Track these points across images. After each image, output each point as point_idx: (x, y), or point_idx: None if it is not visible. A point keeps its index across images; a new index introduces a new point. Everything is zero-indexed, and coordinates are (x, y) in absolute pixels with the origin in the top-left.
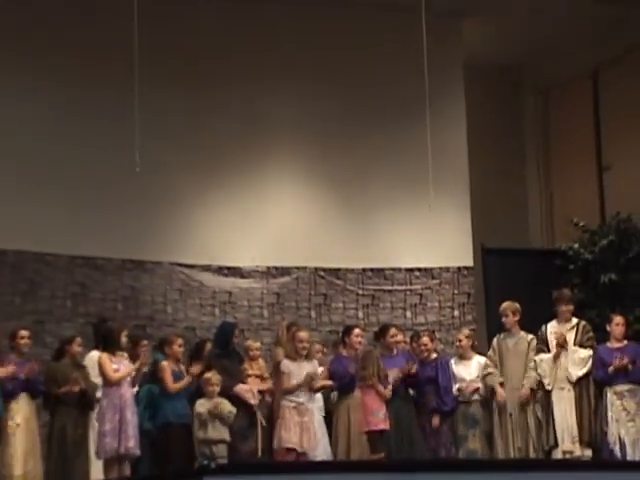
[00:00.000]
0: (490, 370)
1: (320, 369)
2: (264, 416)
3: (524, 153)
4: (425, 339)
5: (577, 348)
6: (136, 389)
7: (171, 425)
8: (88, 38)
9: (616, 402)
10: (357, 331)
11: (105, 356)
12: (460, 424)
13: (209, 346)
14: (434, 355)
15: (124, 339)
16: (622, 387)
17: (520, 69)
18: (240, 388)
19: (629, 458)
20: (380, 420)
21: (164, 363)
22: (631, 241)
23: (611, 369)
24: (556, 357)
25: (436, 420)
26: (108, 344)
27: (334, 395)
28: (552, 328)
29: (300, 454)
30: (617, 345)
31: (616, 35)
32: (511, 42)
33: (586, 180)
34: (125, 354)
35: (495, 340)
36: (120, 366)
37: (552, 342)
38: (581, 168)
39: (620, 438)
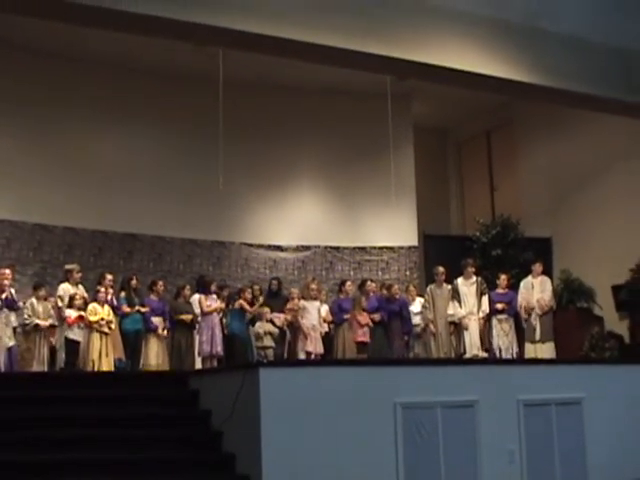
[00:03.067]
0: (425, 307)
1: (324, 306)
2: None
3: (448, 179)
4: (395, 288)
5: (481, 296)
6: (221, 316)
7: (235, 336)
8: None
9: (497, 326)
10: (348, 283)
11: (203, 297)
12: (411, 338)
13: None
14: (397, 296)
15: (213, 287)
16: (501, 317)
17: (446, 131)
18: (278, 315)
19: (503, 357)
20: (362, 335)
21: (240, 301)
22: (509, 231)
23: (496, 306)
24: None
25: (401, 337)
26: (204, 290)
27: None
28: (460, 282)
29: (315, 354)
30: (501, 292)
31: (501, 111)
32: (441, 114)
33: (484, 195)
34: (214, 296)
35: (428, 289)
36: (212, 303)
37: (461, 290)
38: (481, 188)
39: (499, 346)
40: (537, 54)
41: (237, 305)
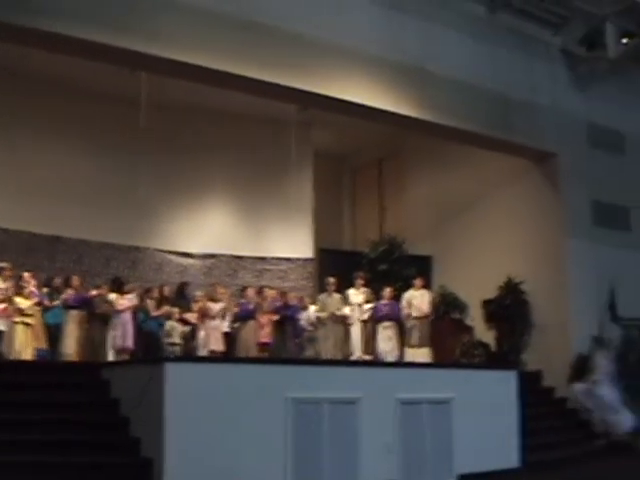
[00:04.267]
0: (319, 313)
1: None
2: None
3: (342, 200)
4: (289, 295)
5: (364, 304)
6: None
7: (148, 333)
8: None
9: (382, 332)
10: (249, 289)
11: (117, 296)
12: (304, 341)
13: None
14: (291, 303)
15: (129, 287)
16: (386, 324)
17: (342, 157)
18: (188, 316)
19: (387, 360)
20: (264, 336)
21: (148, 301)
22: (395, 248)
23: (381, 314)
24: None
25: (294, 339)
26: (119, 289)
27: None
28: (352, 292)
29: (218, 352)
30: (386, 302)
31: (392, 142)
32: (339, 142)
33: (374, 216)
34: (130, 295)
35: (321, 297)
36: (125, 302)
37: (351, 299)
38: (372, 209)
39: (384, 350)
40: (425, 93)
41: (146, 305)
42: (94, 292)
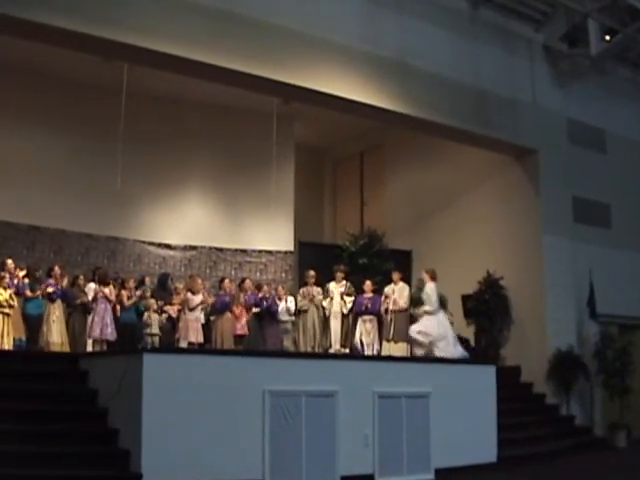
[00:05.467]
0: (301, 304)
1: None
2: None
3: (323, 193)
4: (265, 288)
5: (346, 297)
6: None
7: (125, 324)
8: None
9: (362, 325)
10: (226, 281)
11: (97, 287)
12: (281, 333)
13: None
14: (267, 295)
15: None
16: (366, 317)
17: (323, 150)
18: (168, 307)
19: (366, 353)
20: (240, 329)
21: (122, 292)
22: (375, 242)
23: (362, 307)
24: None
25: (273, 330)
26: (100, 280)
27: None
28: (332, 285)
29: (196, 344)
30: (367, 295)
31: (374, 135)
32: (320, 135)
33: (355, 209)
34: (111, 286)
35: (301, 290)
36: (105, 292)
37: (333, 293)
38: (352, 203)
39: (362, 343)
40: (405, 87)
41: (120, 296)
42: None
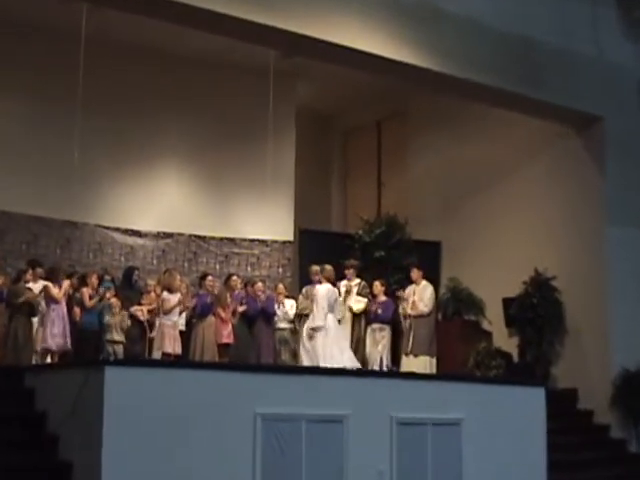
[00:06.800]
0: (302, 306)
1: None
2: (150, 330)
3: (331, 170)
4: (259, 284)
5: (357, 296)
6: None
7: (85, 330)
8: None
9: (370, 335)
10: (210, 278)
11: (51, 284)
12: (277, 343)
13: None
14: (263, 296)
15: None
16: (376, 325)
17: (332, 117)
18: (135, 309)
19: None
20: (225, 336)
21: (83, 289)
22: (394, 231)
23: (372, 314)
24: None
25: (267, 338)
26: (54, 276)
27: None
28: (343, 284)
29: (173, 355)
30: (379, 300)
31: (394, 100)
32: (328, 98)
33: (369, 190)
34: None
35: (304, 289)
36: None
37: (341, 290)
38: (367, 182)
39: (368, 356)
40: (435, 37)
41: (79, 294)
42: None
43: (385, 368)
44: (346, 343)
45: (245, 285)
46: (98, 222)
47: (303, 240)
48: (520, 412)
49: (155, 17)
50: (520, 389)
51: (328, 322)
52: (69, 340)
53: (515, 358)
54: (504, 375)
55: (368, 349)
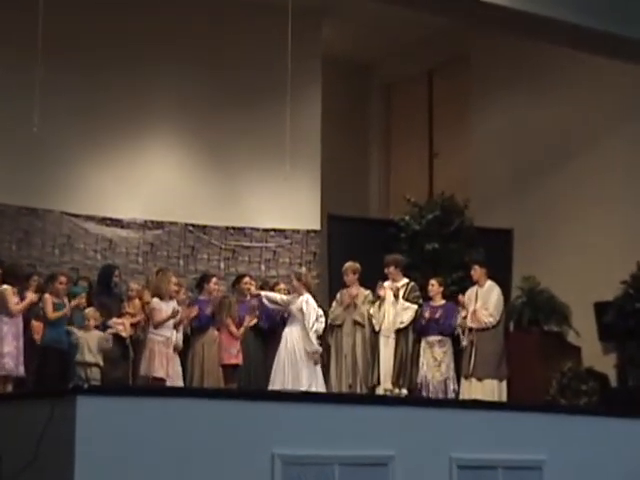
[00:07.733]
0: (334, 316)
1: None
2: (134, 349)
3: (368, 138)
4: (281, 287)
5: (404, 302)
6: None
7: (48, 349)
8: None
9: (427, 351)
10: (214, 280)
11: (9, 290)
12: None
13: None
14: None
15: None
16: (433, 338)
17: (369, 67)
18: (114, 322)
19: (433, 397)
20: (233, 356)
21: (46, 295)
22: (452, 217)
23: (422, 320)
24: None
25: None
26: (13, 279)
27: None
28: (386, 285)
29: (165, 381)
30: (436, 304)
31: (450, 44)
32: (362, 42)
33: (418, 163)
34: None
35: (339, 295)
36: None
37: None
38: (415, 153)
39: (427, 380)
40: None
41: (43, 303)
42: None
43: (452, 394)
44: None
45: (261, 289)
46: (65, 209)
47: (333, 229)
48: (620, 452)
49: None
50: (620, 422)
51: None
52: (22, 364)
53: (613, 381)
54: (598, 404)
55: (424, 370)
